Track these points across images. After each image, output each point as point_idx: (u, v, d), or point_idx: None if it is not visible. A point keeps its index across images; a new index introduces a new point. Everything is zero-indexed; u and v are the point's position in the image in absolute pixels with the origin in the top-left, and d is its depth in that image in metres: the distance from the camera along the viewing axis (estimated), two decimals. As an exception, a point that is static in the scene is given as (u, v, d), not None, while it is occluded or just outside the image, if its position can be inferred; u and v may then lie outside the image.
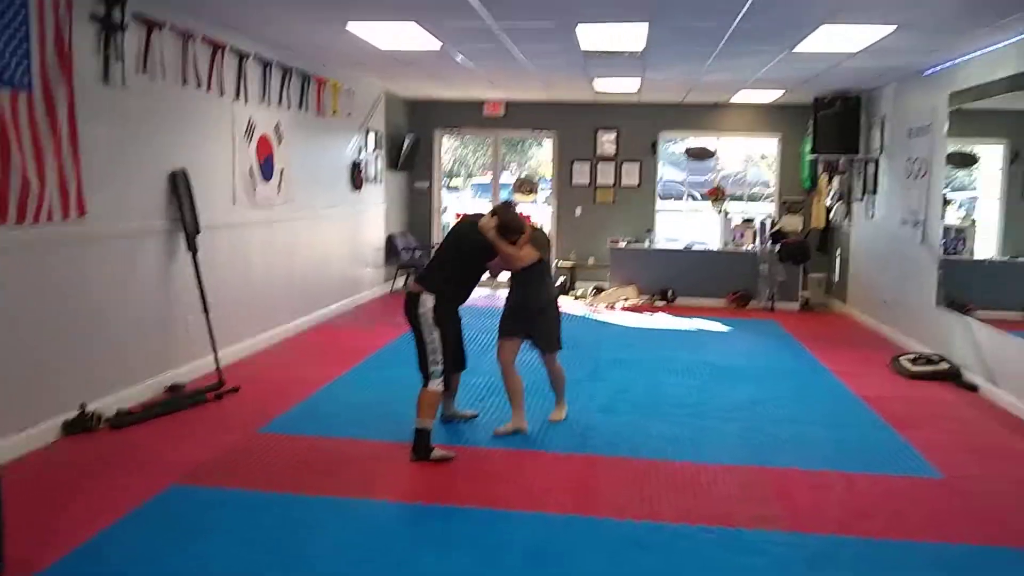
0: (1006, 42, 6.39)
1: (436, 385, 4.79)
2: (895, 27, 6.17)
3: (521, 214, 5.24)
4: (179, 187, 5.95)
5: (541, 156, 24.05)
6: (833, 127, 9.91)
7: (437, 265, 5.09)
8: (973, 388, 6.66)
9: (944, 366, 7.02)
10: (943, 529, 4.02)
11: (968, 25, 6.07)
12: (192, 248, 6.03)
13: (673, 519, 4.01)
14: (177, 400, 5.60)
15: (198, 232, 6.09)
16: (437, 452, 4.72)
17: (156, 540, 3.66)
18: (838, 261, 10.88)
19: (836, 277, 10.94)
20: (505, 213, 5.06)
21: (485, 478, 4.50)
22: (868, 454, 5.06)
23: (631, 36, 6.69)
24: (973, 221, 8.05)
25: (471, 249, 4.98)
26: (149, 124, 5.68)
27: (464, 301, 5.12)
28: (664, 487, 4.43)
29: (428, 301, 4.80)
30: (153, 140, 5.74)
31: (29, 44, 4.41)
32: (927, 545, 3.84)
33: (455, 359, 5.14)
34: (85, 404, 5.03)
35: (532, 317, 5.32)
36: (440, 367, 4.79)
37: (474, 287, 5.17)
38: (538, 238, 5.25)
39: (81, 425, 4.92)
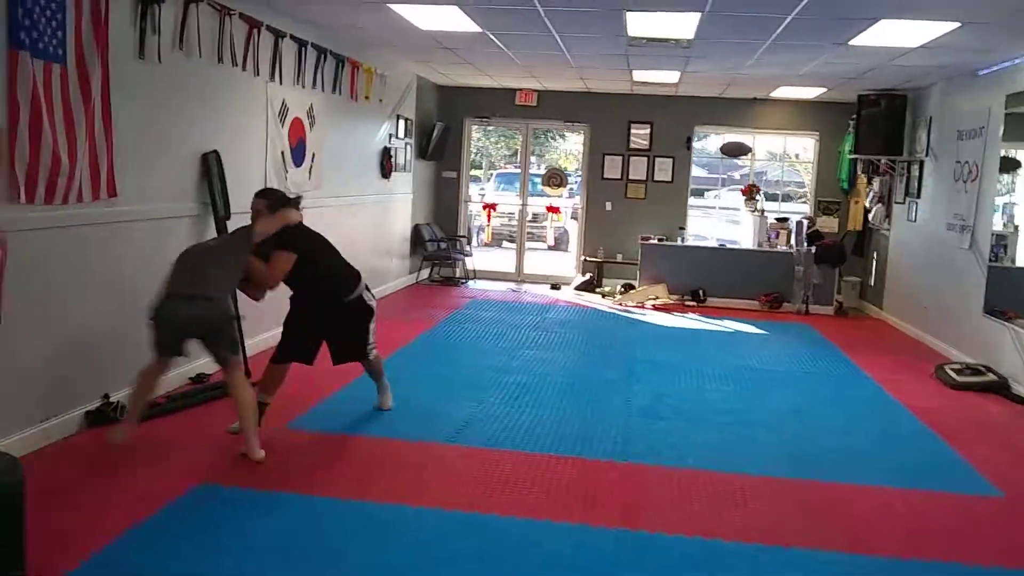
0: (1072, 44, 6.13)
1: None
2: (958, 24, 5.92)
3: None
4: (211, 169, 5.76)
5: (564, 148, 23.77)
6: (876, 126, 9.62)
7: None
8: (1023, 401, 6.41)
9: (991, 377, 6.77)
10: (1012, 554, 3.79)
11: (1035, 24, 5.81)
12: (222, 233, 5.84)
13: (726, 536, 3.79)
14: (202, 391, 5.42)
15: (229, 217, 5.89)
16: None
17: (182, 544, 3.47)
18: (874, 265, 10.61)
19: (872, 281, 10.67)
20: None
21: (525, 486, 4.27)
22: (923, 470, 4.84)
23: (680, 24, 6.45)
24: (1016, 227, 7.80)
25: None
26: (183, 103, 5.49)
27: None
28: (714, 500, 4.21)
29: None
30: (186, 119, 5.55)
31: (65, 14, 4.21)
32: (1000, 572, 3.62)
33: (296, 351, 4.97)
34: (108, 394, 4.85)
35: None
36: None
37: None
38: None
39: (104, 416, 4.73)
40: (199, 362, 5.82)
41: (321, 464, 4.44)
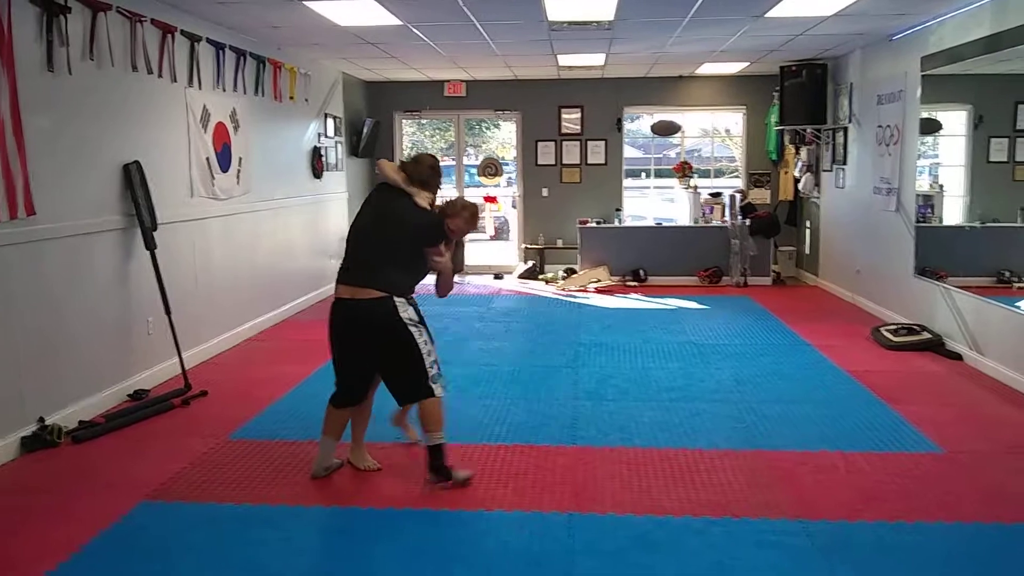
0: (981, 2, 6.27)
1: (441, 390, 4.08)
2: (870, -10, 6.03)
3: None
4: (133, 180, 5.61)
5: (500, 137, 23.73)
6: (799, 97, 9.78)
7: (388, 258, 4.05)
8: (957, 357, 6.57)
9: (926, 336, 6.94)
10: (954, 507, 3.88)
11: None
12: (150, 245, 5.70)
13: (677, 512, 3.83)
14: (142, 408, 5.29)
15: (155, 228, 5.76)
16: (459, 473, 4.11)
17: (127, 565, 3.38)
18: (808, 233, 10.80)
19: (807, 249, 10.86)
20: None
21: (475, 477, 4.23)
22: (865, 431, 4.93)
23: (599, 6, 6.46)
24: (941, 187, 7.99)
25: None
26: (98, 114, 5.34)
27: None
28: (663, 477, 4.24)
29: (404, 304, 4.03)
30: (103, 131, 5.40)
31: (-37, 31, 4.06)
32: (941, 526, 3.70)
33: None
34: (44, 418, 4.71)
35: None
36: (440, 369, 4.11)
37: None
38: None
39: (41, 441, 4.60)
40: (137, 378, 5.70)
41: (262, 472, 4.36)
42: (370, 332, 4.01)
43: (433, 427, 4.04)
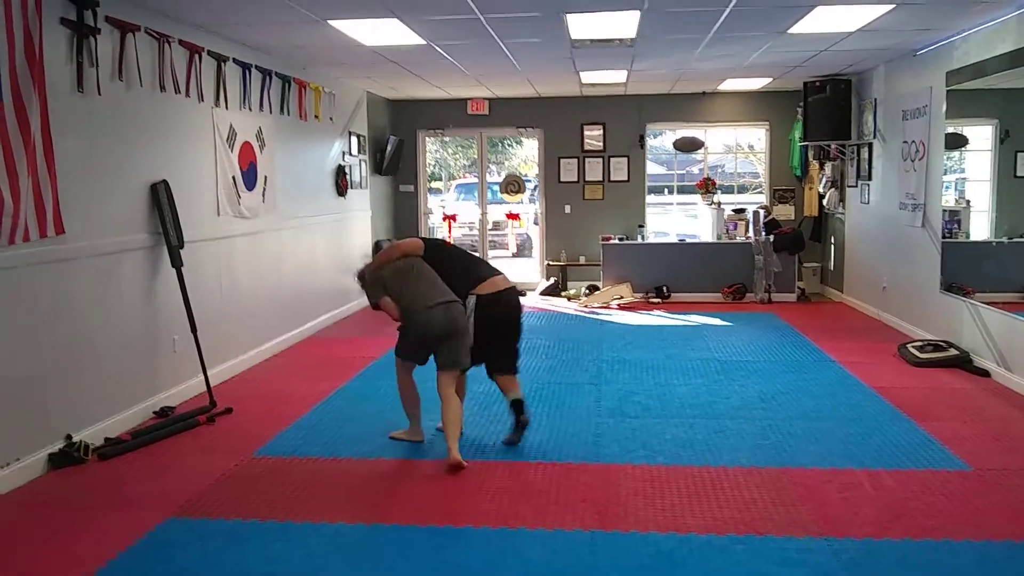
0: (1005, 16, 6.23)
1: None
2: (892, 5, 6.01)
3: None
4: (160, 199, 5.69)
5: (522, 154, 23.82)
6: (823, 112, 9.74)
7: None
8: (985, 374, 6.50)
9: (953, 352, 6.87)
10: (982, 525, 3.83)
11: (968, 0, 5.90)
12: (176, 263, 5.77)
13: (700, 530, 3.80)
14: (167, 425, 5.33)
15: (182, 246, 5.82)
16: (523, 417, 5.07)
17: (153, 580, 3.42)
18: (832, 249, 10.73)
19: (831, 265, 10.79)
20: None
21: (497, 494, 4.26)
22: (891, 449, 4.88)
23: (621, 24, 6.49)
24: (968, 202, 7.92)
25: None
26: (126, 134, 5.42)
27: None
28: (686, 495, 4.22)
29: None
30: (131, 150, 5.48)
31: (-3, 53, 4.14)
32: (969, 544, 3.65)
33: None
34: (71, 434, 4.77)
35: None
36: None
37: None
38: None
39: (68, 457, 4.65)
40: (163, 395, 5.76)
41: (286, 489, 4.38)
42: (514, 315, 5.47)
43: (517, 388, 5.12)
